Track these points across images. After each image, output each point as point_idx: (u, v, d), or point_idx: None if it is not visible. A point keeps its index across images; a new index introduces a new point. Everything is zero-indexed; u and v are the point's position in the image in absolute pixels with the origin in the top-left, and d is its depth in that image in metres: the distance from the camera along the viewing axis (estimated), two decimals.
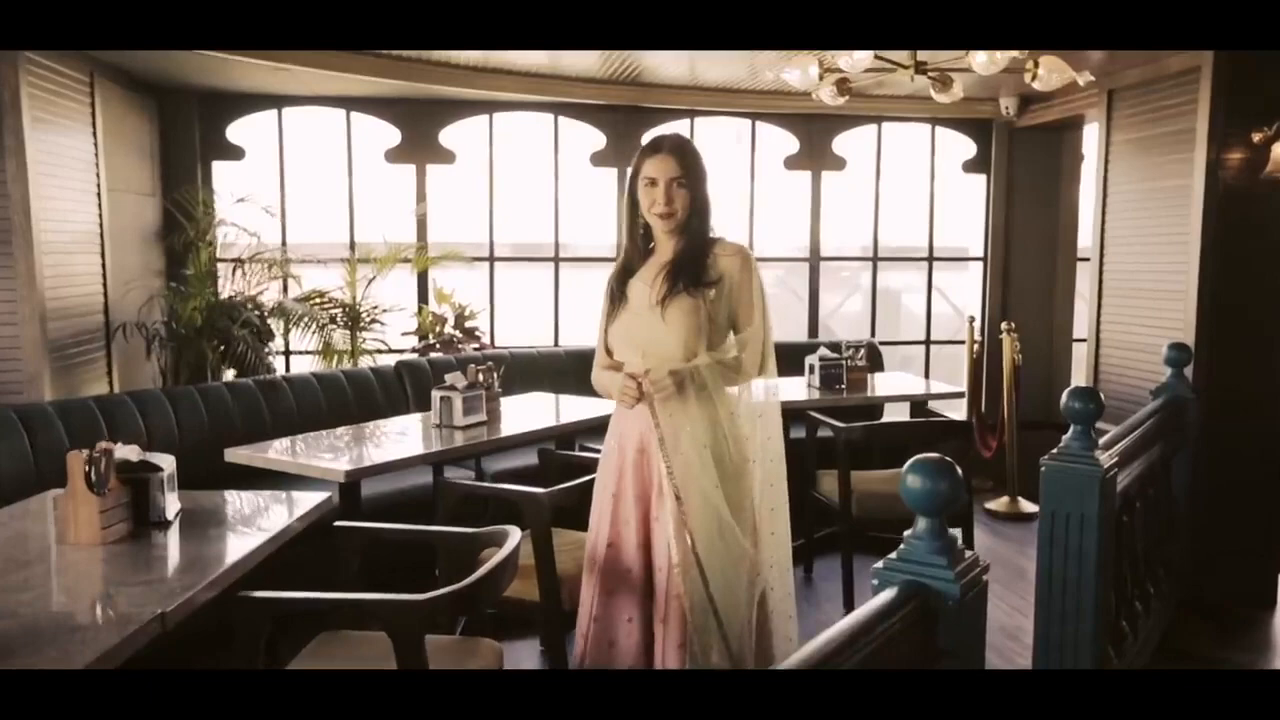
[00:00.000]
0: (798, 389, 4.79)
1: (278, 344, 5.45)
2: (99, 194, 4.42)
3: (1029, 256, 6.47)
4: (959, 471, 1.79)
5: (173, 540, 2.28)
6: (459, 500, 3.15)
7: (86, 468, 2.17)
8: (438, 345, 5.61)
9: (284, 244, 5.64)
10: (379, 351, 5.62)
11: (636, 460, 2.47)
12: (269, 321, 5.18)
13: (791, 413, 4.59)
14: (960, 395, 4.75)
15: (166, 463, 2.41)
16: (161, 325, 4.66)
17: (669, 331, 2.37)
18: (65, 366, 4.17)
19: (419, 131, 5.73)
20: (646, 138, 2.61)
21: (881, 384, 5.10)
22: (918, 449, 4.35)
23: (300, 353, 5.57)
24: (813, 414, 4.32)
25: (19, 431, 3.50)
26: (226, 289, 5.30)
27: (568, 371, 5.30)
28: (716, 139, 6.24)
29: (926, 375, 6.59)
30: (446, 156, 5.81)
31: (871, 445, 4.51)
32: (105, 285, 4.48)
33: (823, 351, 4.82)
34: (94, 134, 4.39)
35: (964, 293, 6.96)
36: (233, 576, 2.08)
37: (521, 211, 6.04)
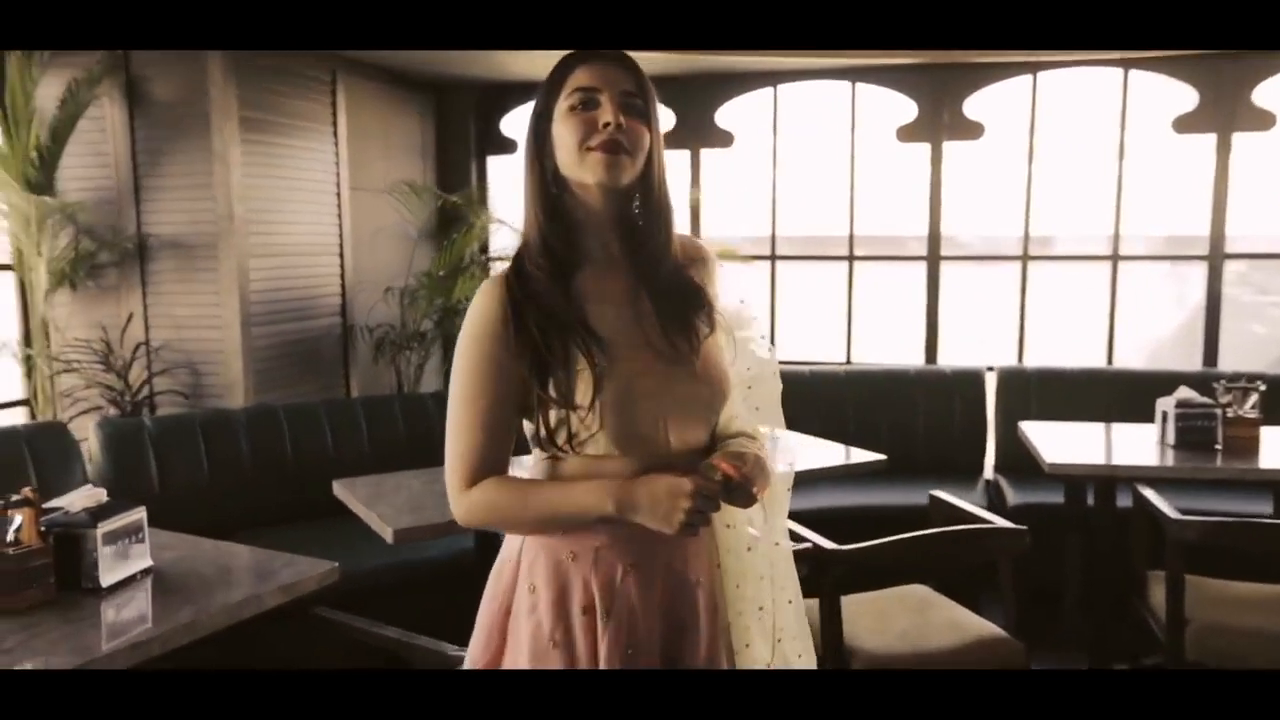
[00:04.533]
0: (1139, 447, 3.33)
1: None
2: (338, 194, 4.35)
3: None
4: None
5: (88, 616, 1.85)
6: None
7: None
8: None
9: None
10: None
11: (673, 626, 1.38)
12: None
13: (1118, 480, 3.23)
14: None
15: (127, 514, 2.00)
16: (390, 328, 4.50)
17: (707, 391, 1.37)
18: (299, 371, 4.15)
19: (693, 112, 5.04)
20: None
21: None
22: None
23: None
24: (1140, 489, 2.91)
25: (196, 439, 3.44)
26: None
27: (843, 399, 4.29)
28: (1063, 100, 4.74)
29: None
30: (723, 139, 5.06)
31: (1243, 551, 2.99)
32: (344, 287, 4.41)
33: (1183, 393, 3.30)
34: (334, 133, 4.31)
35: None
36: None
37: (812, 201, 5.09)
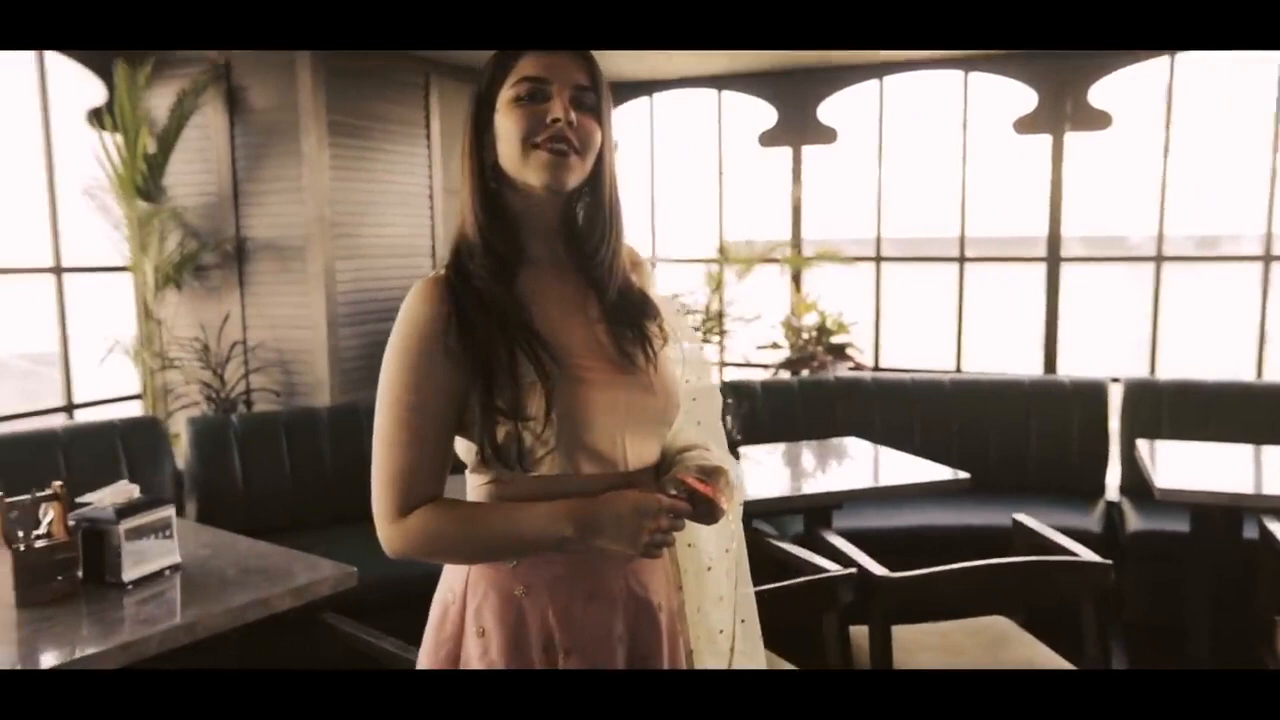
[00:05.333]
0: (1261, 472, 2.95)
1: None
2: (430, 196, 4.40)
3: None
4: None
5: (105, 610, 1.87)
6: None
7: (12, 514, 1.87)
8: (802, 363, 4.71)
9: (653, 242, 5.23)
10: (738, 365, 4.92)
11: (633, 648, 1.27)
12: None
13: (1244, 510, 2.85)
14: None
15: (153, 511, 2.03)
16: None
17: (662, 403, 1.25)
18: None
19: (794, 107, 4.85)
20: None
21: None
22: None
23: None
24: (1267, 522, 2.55)
25: (279, 437, 3.52)
26: None
27: (948, 411, 3.99)
28: (1204, 84, 4.28)
29: None
30: (826, 135, 4.84)
31: None
32: None
33: None
34: (427, 136, 4.36)
35: None
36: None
37: (920, 199, 4.81)
